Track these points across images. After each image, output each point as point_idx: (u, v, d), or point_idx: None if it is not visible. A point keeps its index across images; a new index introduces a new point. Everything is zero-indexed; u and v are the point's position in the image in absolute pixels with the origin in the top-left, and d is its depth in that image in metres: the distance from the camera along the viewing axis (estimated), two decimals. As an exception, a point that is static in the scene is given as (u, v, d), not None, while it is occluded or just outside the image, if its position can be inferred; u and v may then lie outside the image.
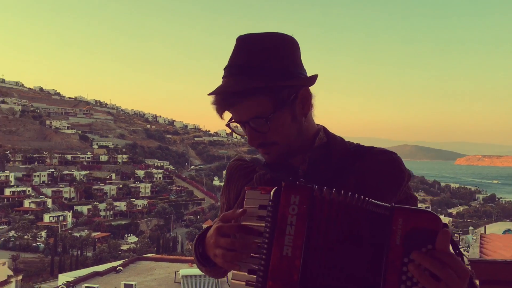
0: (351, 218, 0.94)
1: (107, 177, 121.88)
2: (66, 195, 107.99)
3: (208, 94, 1.13)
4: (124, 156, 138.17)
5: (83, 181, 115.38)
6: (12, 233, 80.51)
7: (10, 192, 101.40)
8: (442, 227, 0.89)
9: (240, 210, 1.05)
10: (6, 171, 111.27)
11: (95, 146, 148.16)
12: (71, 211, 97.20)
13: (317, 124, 1.30)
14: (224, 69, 1.17)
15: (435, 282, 0.86)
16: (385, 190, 1.18)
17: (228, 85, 1.13)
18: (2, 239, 77.87)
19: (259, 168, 1.30)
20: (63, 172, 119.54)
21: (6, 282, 22.94)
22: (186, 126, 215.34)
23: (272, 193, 0.97)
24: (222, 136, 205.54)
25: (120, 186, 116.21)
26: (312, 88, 1.21)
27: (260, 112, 1.14)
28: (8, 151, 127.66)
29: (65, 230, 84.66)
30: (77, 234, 79.02)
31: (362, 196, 0.96)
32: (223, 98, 1.13)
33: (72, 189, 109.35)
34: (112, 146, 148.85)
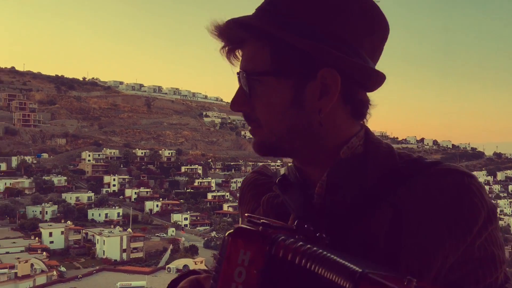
0: None
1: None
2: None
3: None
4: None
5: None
6: (213, 233, 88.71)
7: (212, 197, 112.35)
8: None
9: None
10: (208, 178, 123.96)
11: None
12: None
13: (361, 124, 0.87)
14: None
15: None
16: (439, 238, 0.73)
17: (244, 16, 0.82)
18: (205, 239, 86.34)
19: (274, 186, 0.92)
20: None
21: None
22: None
23: (222, 241, 0.70)
24: (411, 143, 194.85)
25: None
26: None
27: (253, 64, 0.82)
28: (210, 160, 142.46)
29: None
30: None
31: (328, 254, 0.62)
32: (221, 30, 0.83)
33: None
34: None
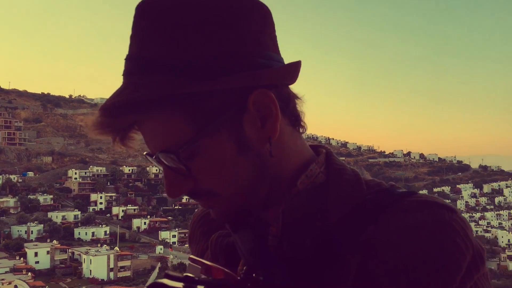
0: None
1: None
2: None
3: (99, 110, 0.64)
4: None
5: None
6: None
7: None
8: None
9: None
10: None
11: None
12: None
13: (317, 146, 0.75)
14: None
15: None
16: None
17: (116, 93, 0.63)
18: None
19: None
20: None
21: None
22: (359, 147, 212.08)
23: None
24: (398, 157, 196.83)
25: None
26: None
27: (172, 139, 0.63)
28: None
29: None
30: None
31: None
32: (104, 117, 0.62)
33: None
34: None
